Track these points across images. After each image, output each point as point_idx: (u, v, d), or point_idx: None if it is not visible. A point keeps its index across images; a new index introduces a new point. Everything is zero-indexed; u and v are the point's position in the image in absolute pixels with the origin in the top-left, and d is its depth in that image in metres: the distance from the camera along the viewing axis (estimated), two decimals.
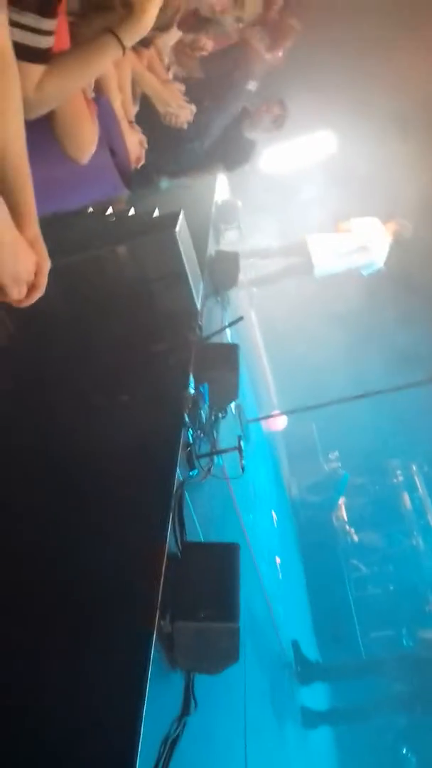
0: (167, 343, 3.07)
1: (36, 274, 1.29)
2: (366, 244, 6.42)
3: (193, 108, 2.69)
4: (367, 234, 6.49)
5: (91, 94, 1.90)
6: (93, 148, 1.45)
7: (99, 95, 1.86)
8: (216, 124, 3.95)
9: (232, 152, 4.16)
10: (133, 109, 2.03)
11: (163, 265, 3.13)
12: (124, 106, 1.87)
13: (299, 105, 5.97)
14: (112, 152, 1.50)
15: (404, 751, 6.12)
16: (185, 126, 2.80)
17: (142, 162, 1.99)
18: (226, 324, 3.84)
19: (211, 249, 4.73)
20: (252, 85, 3.86)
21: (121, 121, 1.73)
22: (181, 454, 2.46)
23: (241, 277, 6.30)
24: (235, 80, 3.76)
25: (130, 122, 2.09)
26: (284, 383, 8.59)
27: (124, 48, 1.35)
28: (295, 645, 4.97)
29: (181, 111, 2.66)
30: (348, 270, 6.66)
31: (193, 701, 1.91)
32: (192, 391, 2.76)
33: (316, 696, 5.41)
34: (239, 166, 4.26)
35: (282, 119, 4.16)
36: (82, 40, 1.37)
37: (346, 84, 6.59)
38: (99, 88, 1.93)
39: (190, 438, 2.59)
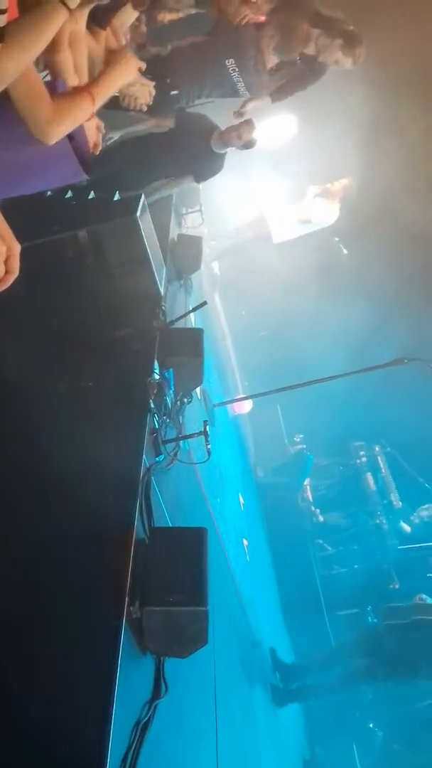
0: (131, 329, 3.05)
1: (7, 259, 1.28)
2: (317, 207, 6.84)
3: (152, 90, 2.65)
4: (319, 198, 6.88)
5: (47, 77, 1.86)
6: (57, 128, 1.43)
7: (55, 78, 1.83)
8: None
9: (201, 165, 4.13)
10: None
11: (125, 250, 3.10)
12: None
13: None
14: (70, 137, 1.48)
15: (371, 726, 6.27)
16: (144, 108, 2.76)
17: (100, 148, 1.96)
18: (190, 309, 3.83)
19: (173, 233, 4.70)
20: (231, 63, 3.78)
21: None
22: (147, 440, 2.46)
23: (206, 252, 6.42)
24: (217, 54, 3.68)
25: None
26: (249, 367, 8.63)
27: (69, 9, 1.36)
28: (272, 652, 5.05)
29: (140, 92, 2.62)
30: (303, 233, 7.01)
31: (163, 685, 1.92)
32: (157, 376, 2.76)
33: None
34: (209, 177, 4.21)
35: (252, 143, 4.07)
36: (27, 8, 1.37)
37: None
38: (55, 70, 1.89)
39: (156, 424, 2.59)
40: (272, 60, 3.68)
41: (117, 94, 2.94)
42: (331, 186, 6.81)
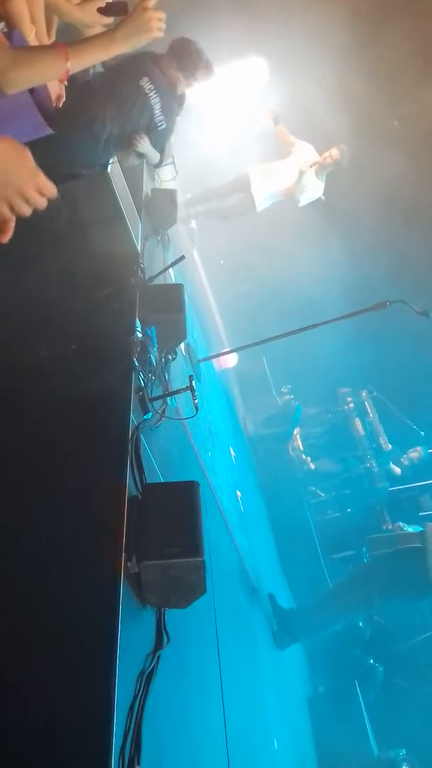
0: (110, 288, 3.02)
1: None
2: (300, 167, 6.31)
3: None
4: (305, 161, 6.35)
5: (2, 28, 1.79)
6: (13, 75, 1.36)
7: (10, 29, 1.75)
8: None
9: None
10: (49, 42, 1.92)
11: (99, 208, 3.05)
12: (38, 38, 1.76)
13: (227, 28, 5.77)
14: (31, 89, 1.42)
15: (371, 662, 6.48)
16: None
17: (64, 99, 1.89)
18: (169, 264, 3.78)
19: (147, 188, 4.61)
20: None
21: None
22: (134, 399, 2.45)
23: (183, 213, 6.22)
24: None
25: None
26: (232, 320, 8.61)
27: None
28: (272, 598, 5.17)
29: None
30: (287, 199, 6.57)
31: (165, 635, 1.96)
32: (139, 335, 2.74)
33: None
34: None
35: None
36: None
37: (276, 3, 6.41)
38: (10, 20, 1.81)
39: (142, 382, 2.58)
40: None
41: None
42: (321, 159, 6.34)
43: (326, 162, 6.28)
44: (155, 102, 3.12)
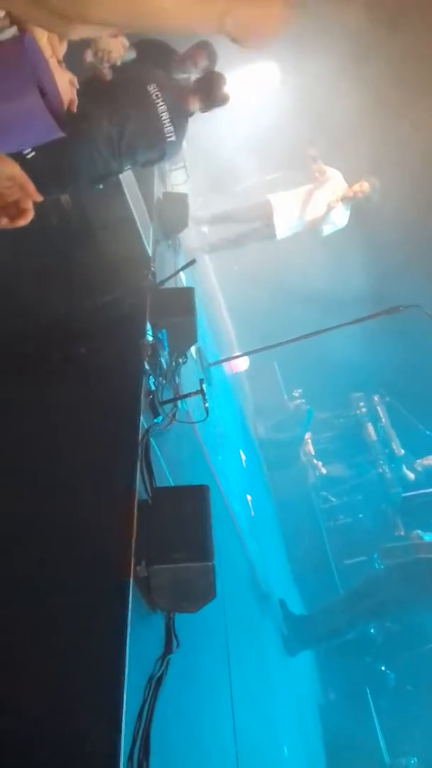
0: (121, 291, 3.02)
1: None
2: (330, 203, 6.07)
3: (126, 42, 2.57)
4: (332, 190, 6.13)
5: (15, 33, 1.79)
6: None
7: (23, 32, 1.76)
8: None
9: None
10: (62, 47, 1.92)
11: (110, 212, 3.05)
12: (51, 43, 1.77)
13: None
14: (42, 92, 1.42)
15: (383, 668, 6.43)
16: (118, 62, 2.68)
17: (75, 103, 1.89)
18: (180, 268, 3.78)
19: (158, 191, 4.62)
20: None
21: (49, 59, 1.64)
22: (144, 402, 2.45)
23: (199, 243, 6.14)
24: None
25: (59, 61, 1.98)
26: (243, 323, 8.59)
27: None
28: (282, 603, 5.15)
29: (113, 44, 2.53)
30: (311, 228, 6.35)
31: (174, 640, 1.95)
32: (150, 338, 2.74)
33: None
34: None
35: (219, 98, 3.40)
36: None
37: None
38: (22, 24, 1.82)
39: (152, 385, 2.58)
40: None
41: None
42: (351, 194, 6.07)
43: (357, 197, 6.09)
44: (162, 111, 2.93)
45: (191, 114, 3.13)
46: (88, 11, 1.09)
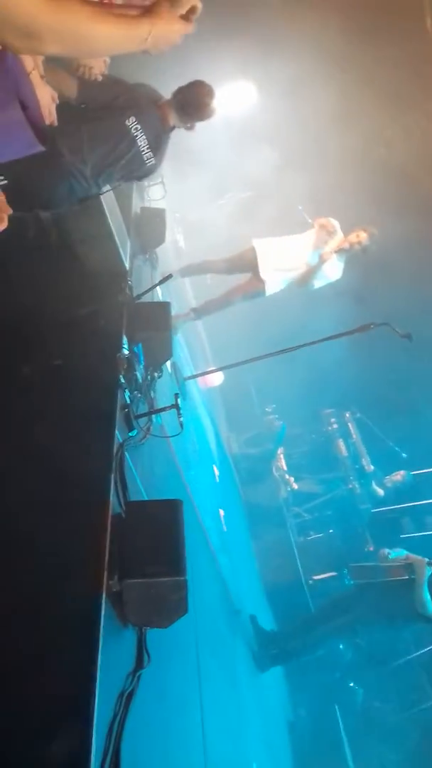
0: (98, 305, 3.02)
1: None
2: (323, 254, 5.40)
3: (107, 59, 2.59)
4: (331, 248, 5.42)
5: None
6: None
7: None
8: None
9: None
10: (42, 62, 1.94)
11: (88, 226, 3.06)
12: (33, 57, 1.78)
13: (213, 53, 5.84)
14: (23, 106, 1.43)
15: (351, 684, 6.45)
16: (99, 78, 2.69)
17: (54, 118, 1.91)
18: (156, 282, 3.80)
19: (136, 206, 4.65)
20: None
21: (31, 72, 1.65)
22: (119, 416, 2.45)
23: (180, 308, 5.69)
24: None
25: (42, 76, 2.00)
26: (219, 339, 8.62)
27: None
28: (253, 619, 5.15)
29: (95, 61, 2.55)
30: (301, 283, 5.58)
31: (146, 655, 1.94)
32: (126, 352, 2.74)
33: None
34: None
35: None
36: None
37: (260, 25, 6.47)
38: None
39: (127, 399, 2.59)
40: None
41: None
42: (347, 245, 5.36)
43: (353, 249, 5.42)
44: (142, 142, 2.87)
45: (172, 130, 3.09)
46: (40, 45, 1.22)
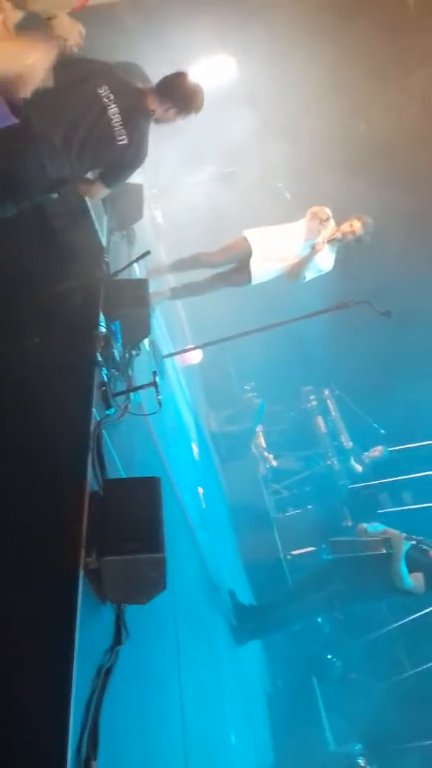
0: (74, 282, 2.99)
1: None
2: (315, 245, 5.13)
3: (82, 29, 2.53)
4: (323, 238, 5.15)
5: None
6: None
7: None
8: None
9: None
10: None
11: (63, 201, 3.01)
12: (6, 25, 1.74)
13: (191, 27, 5.75)
14: None
15: (329, 657, 6.57)
16: (75, 49, 2.63)
17: (32, 89, 1.87)
18: (134, 259, 3.77)
19: None
20: None
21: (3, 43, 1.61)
22: (96, 394, 2.44)
23: (162, 289, 5.55)
24: None
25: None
26: (198, 316, 8.59)
27: None
28: (232, 594, 5.20)
29: (69, 30, 2.49)
30: (291, 274, 5.33)
31: (124, 631, 1.96)
32: (103, 329, 2.72)
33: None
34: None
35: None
36: None
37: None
38: None
39: (105, 377, 2.57)
40: None
41: None
42: (340, 235, 5.12)
43: (346, 238, 5.17)
44: (113, 112, 2.71)
45: (152, 114, 2.97)
46: None
